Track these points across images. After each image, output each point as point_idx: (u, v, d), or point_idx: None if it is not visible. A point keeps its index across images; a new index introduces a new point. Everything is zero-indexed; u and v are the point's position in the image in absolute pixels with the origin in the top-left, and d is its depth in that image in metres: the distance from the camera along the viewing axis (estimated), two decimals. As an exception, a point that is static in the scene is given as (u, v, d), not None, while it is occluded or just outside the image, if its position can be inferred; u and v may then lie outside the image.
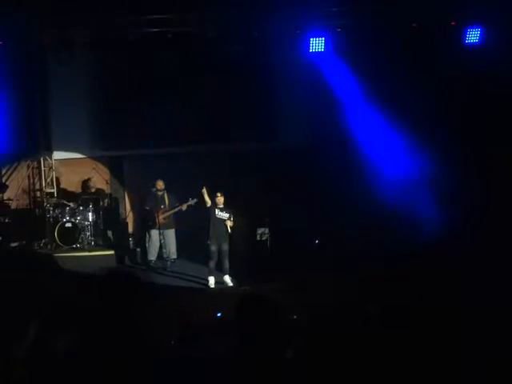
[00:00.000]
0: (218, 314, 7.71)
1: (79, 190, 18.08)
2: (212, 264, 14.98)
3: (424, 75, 15.47)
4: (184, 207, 16.03)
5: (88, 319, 3.87)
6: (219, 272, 15.08)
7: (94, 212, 17.36)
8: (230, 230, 14.98)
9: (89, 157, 18.24)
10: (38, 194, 18.23)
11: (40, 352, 3.87)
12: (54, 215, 17.12)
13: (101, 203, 17.80)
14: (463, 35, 15.23)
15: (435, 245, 13.29)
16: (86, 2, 13.96)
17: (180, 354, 4.71)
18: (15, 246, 16.91)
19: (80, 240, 16.96)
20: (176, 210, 16.11)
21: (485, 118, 15.10)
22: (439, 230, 13.93)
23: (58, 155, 18.11)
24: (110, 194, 18.49)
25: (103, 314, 3.89)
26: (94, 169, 18.14)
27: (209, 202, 14.94)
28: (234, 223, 14.98)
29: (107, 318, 3.86)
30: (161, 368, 3.99)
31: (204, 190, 14.91)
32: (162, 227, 16.10)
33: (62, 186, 18.29)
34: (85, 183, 18.01)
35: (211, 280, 14.94)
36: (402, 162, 16.11)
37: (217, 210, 14.90)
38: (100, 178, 18.27)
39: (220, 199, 14.89)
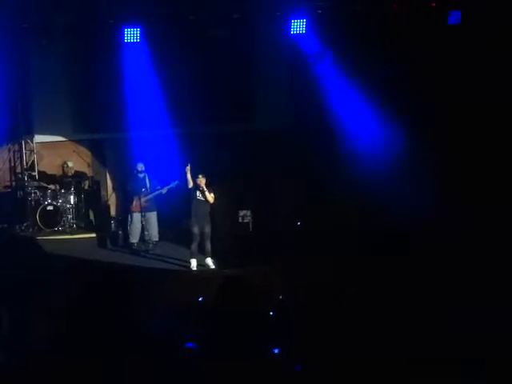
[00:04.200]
0: (200, 298, 7.73)
1: (60, 173, 18.03)
2: (194, 246, 14.96)
3: (405, 57, 15.51)
4: (164, 190, 16.03)
5: (70, 305, 3.88)
6: (201, 254, 15.09)
7: (75, 195, 17.36)
8: (211, 200, 14.88)
9: (70, 140, 18.18)
10: (20, 176, 18.16)
11: (19, 337, 3.89)
12: (36, 198, 17.11)
13: (82, 186, 17.79)
14: (445, 16, 15.26)
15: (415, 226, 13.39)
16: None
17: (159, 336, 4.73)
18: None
19: (62, 223, 16.97)
20: (157, 193, 16.10)
21: (464, 100, 15.16)
22: (418, 213, 14.02)
23: (39, 138, 18.05)
24: (92, 177, 18.46)
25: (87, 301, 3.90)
26: (74, 151, 18.10)
27: (191, 182, 14.90)
28: (214, 201, 14.94)
29: (90, 305, 3.88)
30: (142, 351, 4.01)
31: (188, 168, 14.85)
32: (143, 210, 16.09)
33: (43, 168, 18.23)
34: (66, 166, 17.92)
35: (193, 262, 14.93)
36: (380, 142, 16.14)
37: (198, 192, 14.89)
38: (81, 161, 18.23)
39: (202, 180, 14.86)
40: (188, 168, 14.87)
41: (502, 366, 5.46)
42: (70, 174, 17.75)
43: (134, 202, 16.10)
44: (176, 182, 15.78)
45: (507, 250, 11.38)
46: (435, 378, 4.77)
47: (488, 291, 8.39)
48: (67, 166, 17.81)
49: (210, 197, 14.86)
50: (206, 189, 14.84)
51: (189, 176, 14.87)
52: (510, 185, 14.14)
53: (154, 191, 16.13)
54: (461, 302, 7.40)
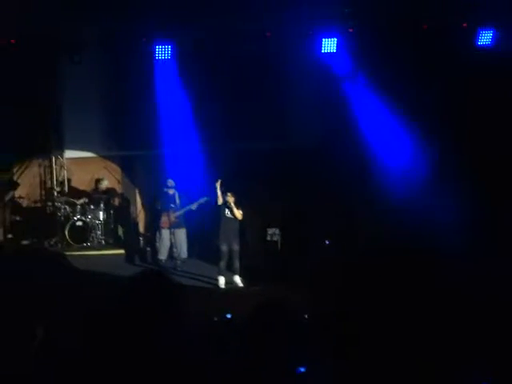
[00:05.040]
0: (228, 315, 7.70)
1: (90, 189, 18.11)
2: (222, 264, 14.97)
3: (436, 77, 15.46)
4: (194, 206, 16.04)
5: (96, 320, 3.86)
6: (229, 272, 15.08)
7: (104, 211, 17.42)
8: (239, 216, 14.90)
9: (100, 156, 18.28)
10: (50, 192, 18.26)
11: (47, 351, 3.88)
12: (65, 213, 17.19)
13: (112, 202, 17.84)
14: (475, 37, 15.21)
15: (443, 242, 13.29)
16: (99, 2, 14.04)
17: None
18: (26, 244, 16.96)
19: (90, 239, 17.04)
20: (187, 209, 16.11)
21: (494, 121, 15.06)
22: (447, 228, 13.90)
23: (69, 154, 18.17)
24: (122, 194, 18.53)
25: (116, 316, 3.87)
26: (105, 168, 18.19)
27: (220, 199, 14.92)
28: (243, 218, 14.95)
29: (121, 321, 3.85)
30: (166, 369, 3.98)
31: (219, 184, 14.88)
32: (172, 226, 16.10)
33: (73, 184, 18.34)
34: (97, 182, 18.02)
35: (221, 280, 14.93)
36: (411, 161, 16.06)
37: (227, 210, 14.90)
38: (111, 177, 18.30)
39: (230, 198, 14.88)
40: (218, 183, 14.89)
41: None
42: (101, 190, 17.81)
43: (163, 219, 16.11)
44: (205, 199, 15.80)
45: None
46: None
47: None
48: (101, 182, 17.89)
49: (239, 214, 14.87)
50: (234, 206, 14.84)
51: (219, 192, 14.89)
52: None
53: (183, 207, 16.14)
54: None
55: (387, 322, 4.51)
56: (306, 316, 6.21)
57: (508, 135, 14.93)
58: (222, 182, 14.94)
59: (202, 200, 15.87)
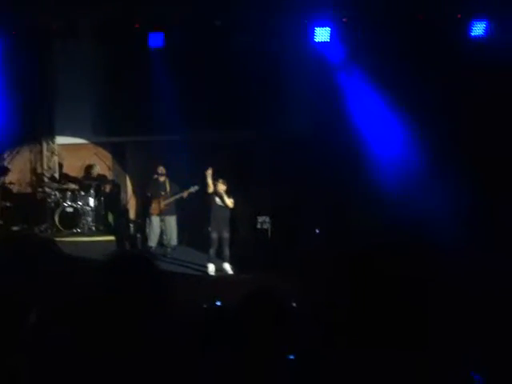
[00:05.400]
0: (218, 303, 7.70)
1: (81, 175, 18.10)
2: (212, 251, 14.99)
3: (428, 67, 15.45)
4: (185, 194, 16.05)
5: (86, 308, 3.85)
6: (219, 259, 15.10)
7: (95, 197, 17.42)
8: (230, 205, 14.93)
9: (91, 142, 18.25)
10: (40, 178, 18.24)
11: (38, 338, 3.87)
12: (56, 200, 17.17)
13: (102, 189, 17.83)
14: (469, 28, 15.22)
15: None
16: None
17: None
18: (16, 230, 16.93)
19: (81, 225, 17.02)
20: (177, 196, 16.11)
21: (489, 113, 15.07)
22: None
23: (60, 140, 18.14)
24: (112, 180, 18.52)
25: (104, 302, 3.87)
26: (96, 154, 18.17)
27: (211, 187, 14.90)
28: (234, 206, 14.97)
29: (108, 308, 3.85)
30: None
31: (209, 172, 14.88)
32: (162, 214, 16.11)
33: (63, 170, 18.32)
34: (87, 169, 18.02)
35: (211, 267, 14.95)
36: (404, 153, 16.07)
37: (217, 198, 14.91)
38: (102, 164, 18.29)
39: (221, 186, 14.88)
40: (209, 172, 14.89)
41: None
42: (92, 177, 17.80)
43: (154, 206, 16.12)
44: (196, 187, 15.79)
45: None
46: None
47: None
48: (91, 168, 17.88)
49: (230, 202, 14.86)
50: (225, 194, 14.85)
51: (209, 180, 14.89)
52: None
53: (173, 195, 16.14)
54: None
55: (377, 312, 4.50)
56: (294, 304, 6.22)
57: (503, 126, 14.93)
58: (213, 171, 14.93)
59: (193, 189, 15.86)
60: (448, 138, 15.35)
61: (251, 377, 4.05)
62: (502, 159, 14.94)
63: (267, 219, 16.71)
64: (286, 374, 4.03)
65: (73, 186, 17.41)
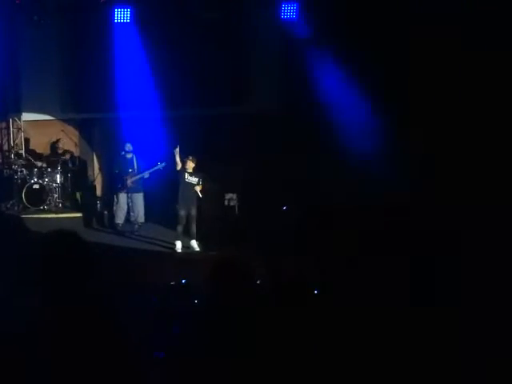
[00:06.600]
0: (183, 280, 7.77)
1: (48, 152, 18.01)
2: (180, 228, 15.04)
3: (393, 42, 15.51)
4: (147, 175, 16.06)
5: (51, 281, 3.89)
6: (187, 237, 15.14)
7: (62, 174, 17.31)
8: (200, 195, 15.03)
9: (58, 119, 18.14)
10: (7, 154, 18.12)
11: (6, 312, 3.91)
12: (22, 176, 17.05)
13: (69, 165, 17.75)
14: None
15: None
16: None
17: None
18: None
19: (48, 202, 16.92)
20: (144, 174, 16.08)
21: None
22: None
23: (26, 116, 18.00)
24: (79, 157, 18.44)
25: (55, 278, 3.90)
26: (62, 131, 18.06)
27: (179, 164, 14.93)
28: (202, 188, 15.04)
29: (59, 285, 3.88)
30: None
31: (177, 150, 14.90)
32: (129, 190, 16.08)
33: (30, 147, 18.21)
34: (53, 145, 17.94)
35: (178, 244, 15.00)
36: (368, 130, 16.13)
37: (186, 174, 14.92)
38: (69, 141, 18.20)
39: (190, 163, 14.90)
40: (177, 150, 14.90)
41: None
42: (60, 153, 17.71)
43: (121, 183, 16.10)
44: (163, 164, 15.78)
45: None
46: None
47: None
48: (59, 142, 17.81)
49: (199, 187, 14.93)
50: (193, 171, 14.89)
51: (177, 158, 14.91)
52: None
53: (141, 172, 16.12)
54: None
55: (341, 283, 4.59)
56: (258, 282, 6.28)
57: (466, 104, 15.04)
58: (179, 148, 14.94)
59: (160, 165, 15.84)
60: (412, 116, 15.48)
61: (214, 350, 4.10)
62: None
63: (234, 196, 16.77)
64: (248, 348, 4.09)
65: (39, 162, 17.30)
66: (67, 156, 17.86)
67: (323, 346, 4.36)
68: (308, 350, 4.25)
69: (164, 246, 15.30)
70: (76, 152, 18.40)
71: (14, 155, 17.73)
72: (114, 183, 16.57)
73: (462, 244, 9.57)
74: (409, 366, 4.51)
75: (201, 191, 15.01)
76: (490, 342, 5.03)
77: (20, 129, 18.04)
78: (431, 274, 5.46)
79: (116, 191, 16.31)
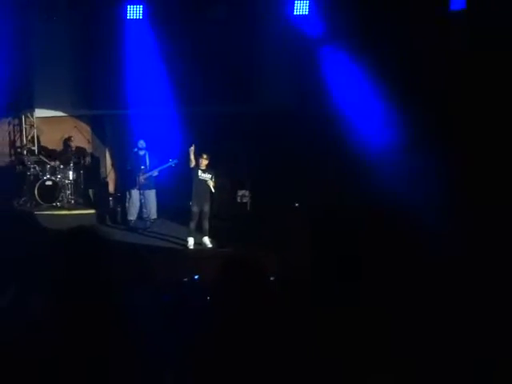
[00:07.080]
0: (196, 277, 7.76)
1: (60, 148, 18.04)
2: (192, 225, 15.05)
3: (408, 41, 15.42)
4: (155, 173, 16.07)
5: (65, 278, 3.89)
6: (199, 233, 15.15)
7: (74, 170, 17.34)
8: (213, 190, 15.05)
9: (70, 115, 18.17)
10: (19, 151, 18.15)
11: (18, 311, 3.91)
12: (35, 173, 17.08)
13: (82, 162, 17.78)
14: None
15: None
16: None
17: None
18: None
19: (60, 198, 16.97)
20: (153, 172, 16.08)
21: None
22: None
23: (39, 113, 18.03)
24: (91, 153, 18.47)
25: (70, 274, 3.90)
26: (75, 127, 18.10)
27: (193, 162, 14.96)
28: (215, 184, 15.06)
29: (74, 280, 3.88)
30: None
31: (192, 149, 14.93)
32: (142, 187, 16.11)
33: (43, 143, 18.24)
34: (66, 141, 17.97)
35: (190, 241, 15.02)
36: (383, 128, 16.05)
37: (200, 172, 14.94)
38: (81, 137, 18.24)
39: (204, 161, 14.92)
40: (192, 148, 14.94)
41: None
42: (71, 150, 17.74)
43: (133, 179, 16.12)
44: (175, 161, 15.81)
45: None
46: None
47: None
48: (70, 140, 17.83)
49: (211, 182, 14.95)
50: (206, 168, 14.92)
51: (192, 156, 14.93)
52: None
53: (153, 169, 16.14)
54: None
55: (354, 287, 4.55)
56: (272, 278, 6.27)
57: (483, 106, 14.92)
58: (195, 147, 14.98)
59: (172, 162, 15.88)
60: (429, 114, 15.34)
61: (226, 348, 4.10)
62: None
63: (247, 193, 16.77)
64: (260, 344, 4.07)
65: (52, 162, 17.32)
66: (80, 153, 17.89)
67: (334, 345, 4.34)
68: (320, 349, 4.24)
69: (176, 243, 15.31)
70: (88, 149, 18.44)
71: (27, 152, 17.76)
72: (127, 180, 16.59)
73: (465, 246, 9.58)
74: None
75: (214, 187, 15.03)
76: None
77: (33, 125, 18.08)
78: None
79: (128, 188, 16.34)
